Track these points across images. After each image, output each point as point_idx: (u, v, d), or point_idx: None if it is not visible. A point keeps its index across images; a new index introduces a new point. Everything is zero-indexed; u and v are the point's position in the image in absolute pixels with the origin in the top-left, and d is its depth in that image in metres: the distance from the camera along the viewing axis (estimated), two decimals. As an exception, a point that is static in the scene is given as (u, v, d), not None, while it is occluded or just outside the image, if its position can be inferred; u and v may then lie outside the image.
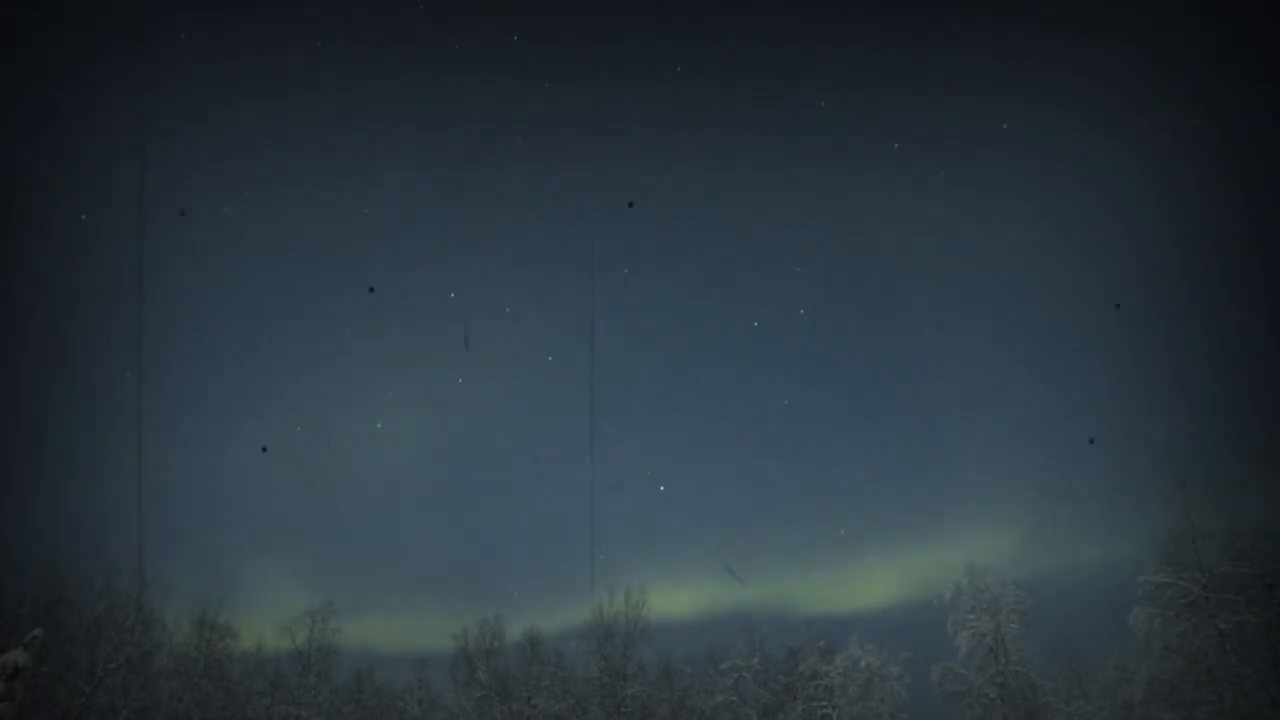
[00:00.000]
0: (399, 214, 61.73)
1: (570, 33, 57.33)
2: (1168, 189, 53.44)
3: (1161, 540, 36.12)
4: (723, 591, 57.04)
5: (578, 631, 46.08)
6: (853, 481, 59.46)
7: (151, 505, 49.68)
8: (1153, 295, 53.37)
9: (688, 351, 65.36)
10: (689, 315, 64.58)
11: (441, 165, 62.41)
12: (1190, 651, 34.29)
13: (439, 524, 60.40)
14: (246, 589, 50.34)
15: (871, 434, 62.53)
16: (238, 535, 53.81)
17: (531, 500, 61.57)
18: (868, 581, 56.74)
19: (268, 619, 47.31)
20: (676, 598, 57.18)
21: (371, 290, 53.46)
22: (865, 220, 62.80)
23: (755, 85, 59.66)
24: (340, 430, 61.98)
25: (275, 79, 56.91)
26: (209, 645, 42.12)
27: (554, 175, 63.50)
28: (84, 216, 49.75)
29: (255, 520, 55.73)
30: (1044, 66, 53.45)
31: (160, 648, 41.41)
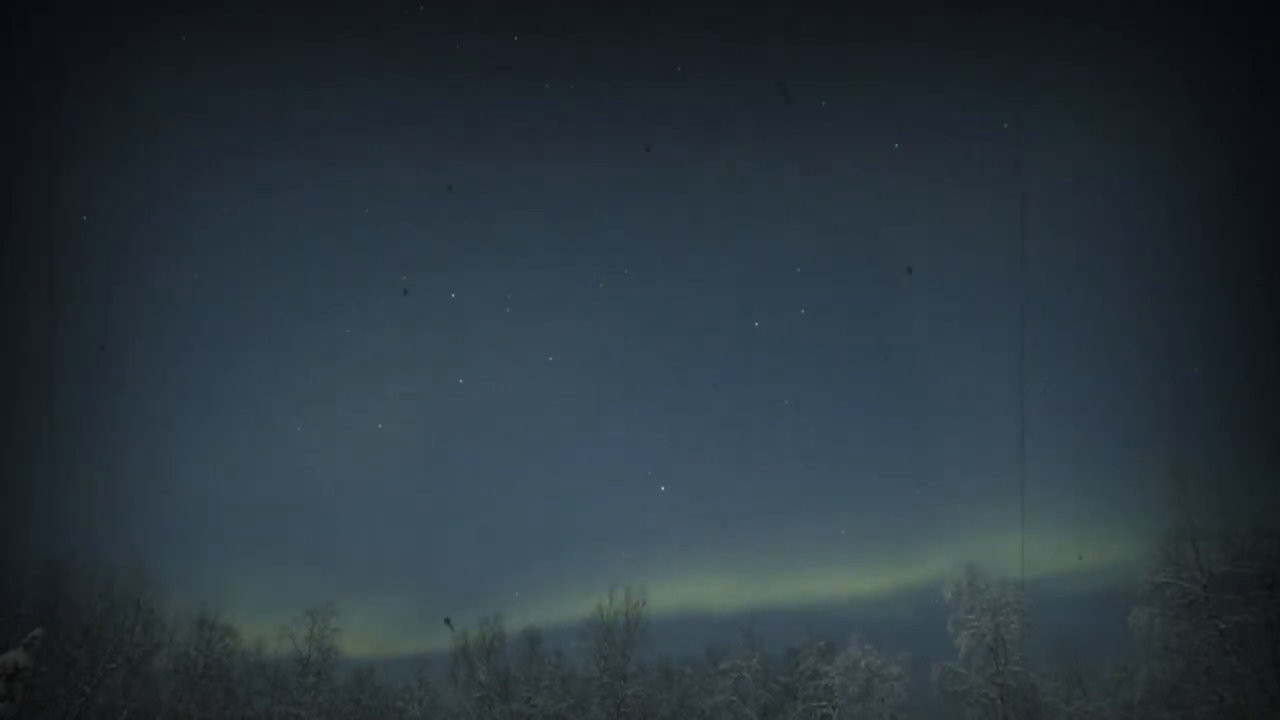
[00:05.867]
0: (399, 214, 61.78)
1: (570, 32, 57.37)
2: (1169, 188, 53.43)
3: (1161, 540, 36.06)
4: (724, 592, 57.12)
5: (578, 631, 46.14)
6: (853, 481, 59.56)
7: (151, 506, 49.81)
8: (1153, 294, 53.41)
9: (688, 351, 65.41)
10: (689, 315, 64.60)
11: (441, 165, 62.47)
12: (1190, 651, 34.21)
13: (439, 523, 60.46)
14: (246, 589, 50.39)
15: (872, 433, 62.61)
16: (238, 535, 53.91)
17: (531, 500, 61.64)
18: (868, 581, 56.78)
19: (268, 619, 47.32)
20: (677, 597, 57.21)
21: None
22: (866, 220, 62.83)
23: (756, 85, 59.68)
24: (340, 430, 62.04)
25: (275, 79, 56.94)
26: (209, 645, 42.11)
27: (554, 174, 63.58)
28: (85, 217, 49.77)
29: (255, 520, 55.81)
30: (1045, 66, 53.42)
31: (160, 648, 41.40)
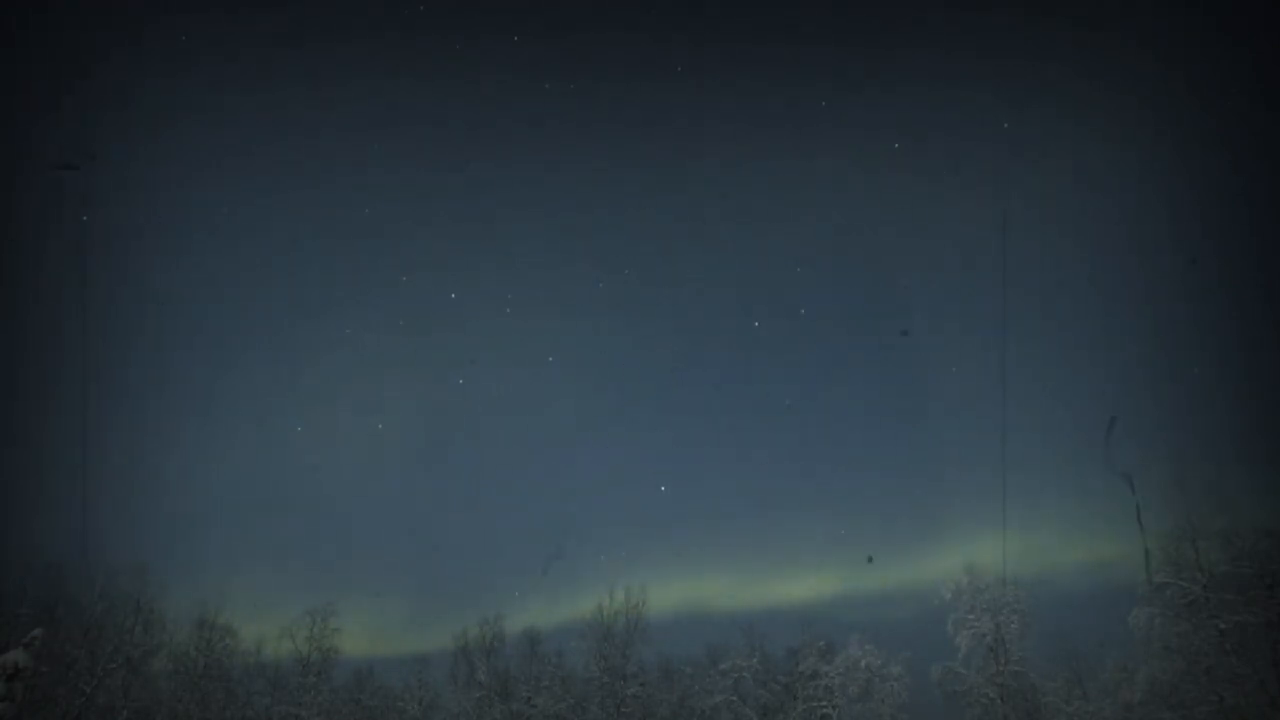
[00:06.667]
0: (399, 214, 61.76)
1: (570, 33, 57.34)
2: (1169, 188, 53.44)
3: (1161, 540, 36.09)
4: (724, 592, 57.12)
5: (578, 631, 46.14)
6: (853, 481, 59.51)
7: (151, 506, 49.81)
8: (1153, 294, 53.42)
9: (688, 351, 65.39)
10: (689, 315, 64.59)
11: (441, 165, 62.45)
12: (1190, 651, 34.26)
13: (439, 524, 60.47)
14: (246, 589, 50.33)
15: (872, 433, 62.59)
16: (238, 535, 53.86)
17: (531, 500, 61.63)
18: (868, 581, 56.72)
19: (268, 619, 47.29)
20: (677, 597, 57.18)
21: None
22: (866, 220, 62.83)
23: (756, 85, 59.67)
24: (340, 430, 62.04)
25: (275, 78, 56.94)
26: (209, 645, 42.12)
27: (555, 175, 63.55)
28: (85, 217, 49.75)
29: (255, 520, 55.78)
30: (1045, 66, 53.46)
31: (160, 648, 41.41)
